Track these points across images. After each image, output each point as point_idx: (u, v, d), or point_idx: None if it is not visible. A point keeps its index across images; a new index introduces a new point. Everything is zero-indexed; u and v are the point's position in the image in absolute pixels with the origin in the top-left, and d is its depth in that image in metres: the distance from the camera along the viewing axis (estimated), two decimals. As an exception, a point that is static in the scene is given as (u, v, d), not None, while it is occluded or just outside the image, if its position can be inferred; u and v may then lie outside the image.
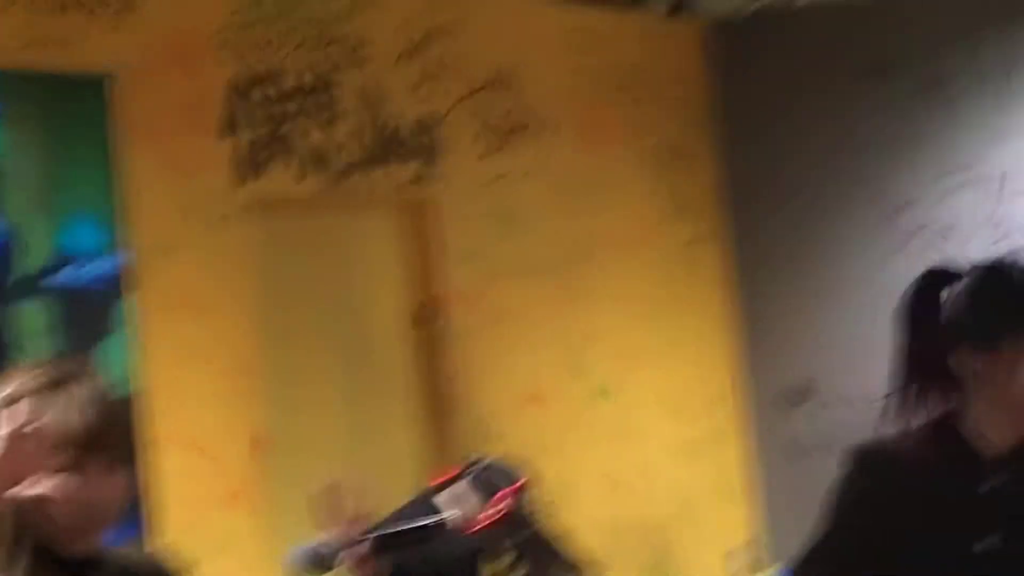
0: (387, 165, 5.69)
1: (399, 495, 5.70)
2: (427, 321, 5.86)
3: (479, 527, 4.15)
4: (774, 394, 6.62)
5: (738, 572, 6.62)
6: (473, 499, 4.30)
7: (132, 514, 4.90)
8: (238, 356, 5.19)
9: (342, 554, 2.73)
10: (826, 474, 7.20)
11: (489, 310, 5.95)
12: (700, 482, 6.61)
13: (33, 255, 4.73)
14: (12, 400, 2.34)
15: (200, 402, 5.12)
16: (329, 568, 2.71)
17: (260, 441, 5.23)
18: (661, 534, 6.42)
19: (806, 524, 7.03)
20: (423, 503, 4.37)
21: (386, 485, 5.73)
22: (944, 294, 3.01)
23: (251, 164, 5.28)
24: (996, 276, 2.93)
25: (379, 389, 5.74)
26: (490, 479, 4.32)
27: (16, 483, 2.29)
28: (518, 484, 4.34)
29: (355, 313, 5.73)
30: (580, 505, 6.16)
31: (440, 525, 2.68)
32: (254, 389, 5.22)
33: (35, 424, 2.32)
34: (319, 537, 2.76)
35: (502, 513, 4.21)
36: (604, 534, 6.23)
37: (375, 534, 2.68)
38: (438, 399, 5.82)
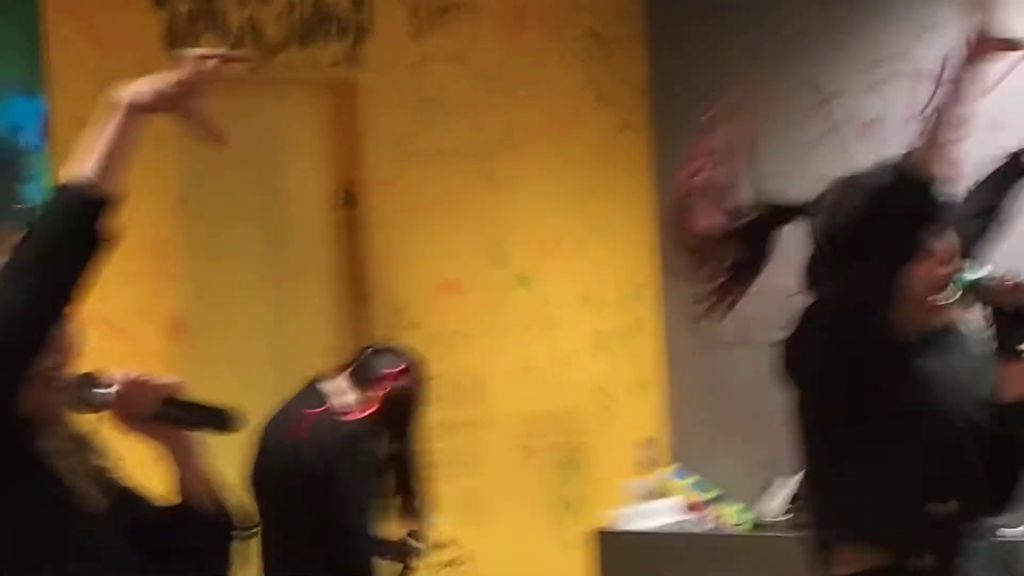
0: (316, 44, 5.63)
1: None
2: (348, 205, 5.83)
3: (359, 413, 4.17)
4: (691, 287, 6.64)
5: (643, 463, 6.68)
6: (355, 387, 4.33)
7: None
8: (157, 235, 5.15)
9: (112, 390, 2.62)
10: (741, 366, 7.31)
11: (410, 196, 5.93)
12: (616, 373, 6.65)
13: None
14: None
15: (116, 282, 5.07)
16: (96, 405, 2.62)
17: (178, 322, 5.20)
18: (575, 424, 6.47)
19: (715, 418, 7.12)
20: (310, 391, 4.38)
21: (303, 368, 5.75)
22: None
23: (182, 38, 5.21)
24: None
25: (299, 272, 5.71)
26: (375, 365, 4.34)
27: None
28: (399, 369, 4.36)
29: (277, 195, 5.69)
30: (495, 394, 6.19)
31: (226, 417, 2.60)
32: (173, 270, 5.18)
33: None
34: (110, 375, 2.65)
35: (380, 398, 4.24)
36: (518, 423, 6.27)
37: (168, 400, 2.63)
38: (357, 283, 5.81)
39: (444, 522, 5.97)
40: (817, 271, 3.35)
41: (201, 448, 2.76)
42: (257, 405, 5.50)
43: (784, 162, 6.45)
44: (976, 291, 3.93)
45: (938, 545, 3.21)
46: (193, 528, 2.71)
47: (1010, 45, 3.24)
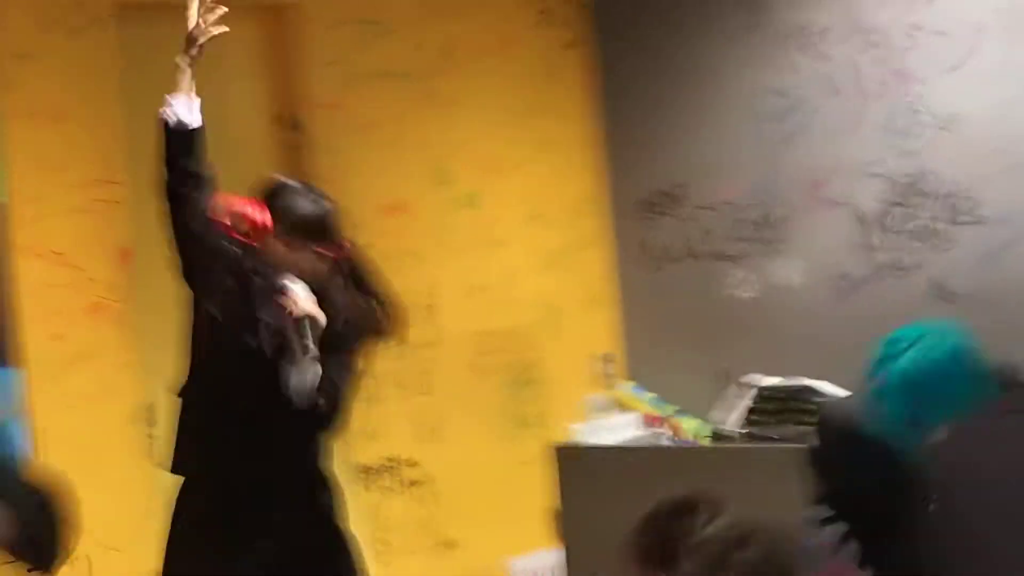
0: (250, -30, 5.59)
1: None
2: (291, 128, 5.81)
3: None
4: (638, 201, 6.67)
5: (598, 379, 6.72)
6: None
7: (-4, 325, 4.87)
8: (103, 166, 5.12)
9: None
10: (691, 280, 7.33)
11: (353, 117, 5.91)
12: (564, 290, 6.67)
13: None
14: None
15: (64, 212, 5.06)
16: None
17: (126, 252, 5.18)
18: (527, 342, 6.49)
19: (668, 331, 7.15)
20: None
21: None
22: None
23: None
24: None
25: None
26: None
27: None
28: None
29: (220, 120, 5.64)
30: (446, 314, 6.20)
31: None
32: (120, 200, 5.16)
33: None
34: None
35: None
36: (470, 342, 6.29)
37: None
38: (304, 208, 5.78)
39: (401, 442, 6.00)
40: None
41: None
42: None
43: (728, 77, 6.47)
44: None
45: None
46: None
47: None
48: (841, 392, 5.11)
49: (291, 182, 4.14)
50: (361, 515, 5.55)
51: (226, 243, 3.96)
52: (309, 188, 4.12)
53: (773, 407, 5.71)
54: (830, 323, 6.11)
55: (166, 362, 5.38)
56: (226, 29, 4.07)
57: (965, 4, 5.90)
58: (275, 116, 5.79)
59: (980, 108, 5.79)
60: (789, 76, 6.24)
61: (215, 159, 5.60)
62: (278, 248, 3.95)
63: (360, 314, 4.15)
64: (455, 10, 6.28)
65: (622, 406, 6.59)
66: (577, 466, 6.04)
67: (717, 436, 6.06)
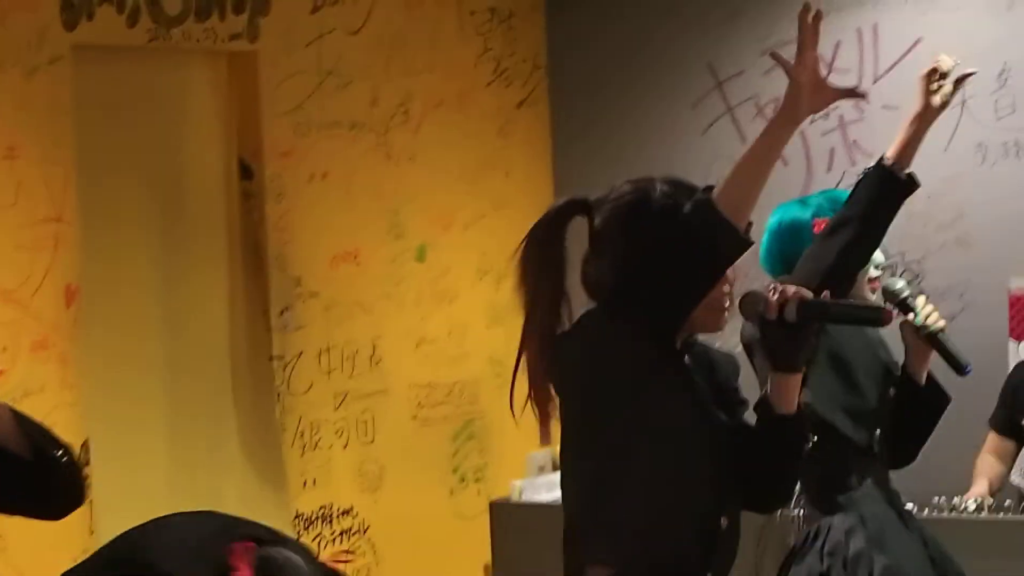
0: (216, 15, 5.61)
1: (211, 344, 5.72)
2: (245, 176, 5.83)
3: None
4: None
5: (542, 437, 6.74)
6: None
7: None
8: (53, 204, 5.13)
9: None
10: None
11: (308, 167, 5.94)
12: (512, 346, 6.67)
13: None
14: None
15: (11, 249, 5.06)
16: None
17: (73, 289, 5.19)
18: (471, 396, 6.52)
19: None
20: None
21: (198, 334, 5.76)
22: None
23: (81, 8, 5.18)
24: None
25: (195, 241, 5.71)
26: None
27: None
28: None
29: (175, 163, 5.69)
30: (391, 365, 6.22)
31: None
32: (68, 237, 5.17)
33: None
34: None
35: None
36: (414, 394, 6.31)
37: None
38: (253, 252, 5.81)
39: (339, 490, 6.01)
40: (598, 275, 3.27)
41: None
42: (148, 374, 5.52)
43: (679, 144, 6.55)
44: (897, 302, 4.10)
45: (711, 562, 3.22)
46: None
47: (849, 93, 3.30)
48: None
49: None
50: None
51: None
52: None
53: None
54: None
55: (106, 401, 5.40)
56: None
57: (914, 80, 5.99)
58: (230, 163, 5.82)
59: (926, 182, 5.86)
60: (739, 145, 6.31)
61: (171, 206, 5.64)
62: None
63: None
64: (413, 65, 6.33)
65: (560, 463, 6.61)
66: (514, 523, 6.06)
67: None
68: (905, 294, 4.17)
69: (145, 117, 5.54)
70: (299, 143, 5.92)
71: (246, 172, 5.83)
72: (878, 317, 3.21)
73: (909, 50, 6.07)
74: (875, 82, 6.09)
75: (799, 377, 3.16)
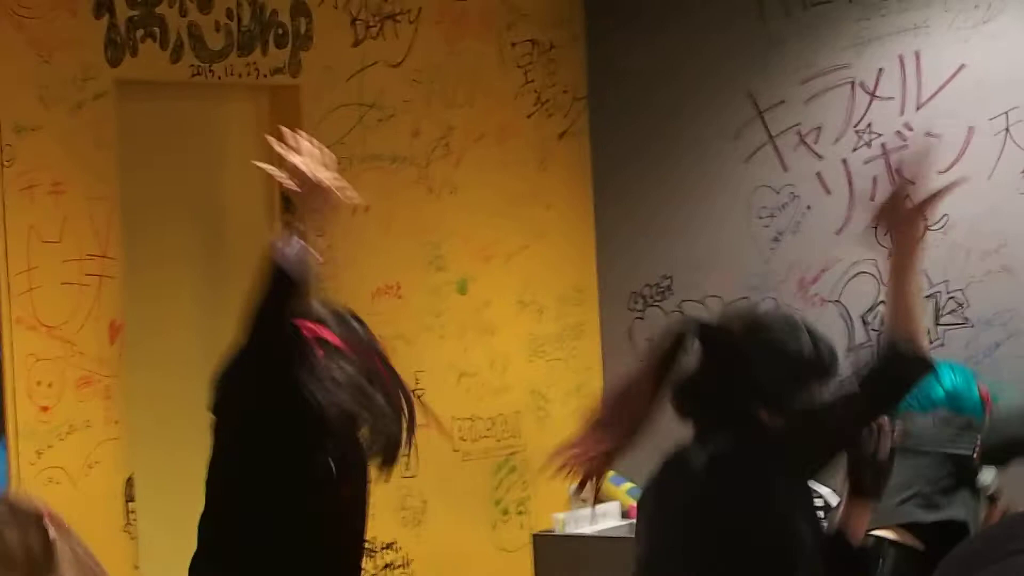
0: (259, 50, 5.64)
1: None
2: (288, 208, 5.84)
3: None
4: (629, 292, 6.70)
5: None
6: None
7: (-16, 395, 4.88)
8: (97, 240, 5.15)
9: None
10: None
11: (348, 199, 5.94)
12: (553, 378, 6.69)
13: None
14: None
15: (56, 285, 5.09)
16: None
17: (117, 325, 5.20)
18: (512, 428, 6.50)
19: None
20: None
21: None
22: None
23: (122, 46, 5.22)
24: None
25: (238, 276, 5.71)
26: None
27: None
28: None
29: (218, 198, 5.71)
30: (433, 397, 6.21)
31: None
32: (112, 272, 5.19)
33: None
34: None
35: None
36: (456, 427, 6.30)
37: None
38: (296, 287, 5.81)
39: (381, 525, 6.00)
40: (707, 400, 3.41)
41: None
42: (192, 409, 5.52)
43: (720, 174, 6.53)
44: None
45: None
46: None
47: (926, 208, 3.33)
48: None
49: None
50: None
51: None
52: None
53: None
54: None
55: (151, 437, 5.41)
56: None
57: (957, 107, 5.97)
58: (272, 197, 5.83)
59: (969, 210, 5.84)
60: (781, 174, 6.30)
61: (213, 240, 5.65)
62: None
63: None
64: (454, 98, 6.34)
65: (602, 496, 6.58)
66: (556, 555, 6.04)
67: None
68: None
69: (188, 152, 5.56)
70: (340, 176, 5.92)
71: (288, 205, 5.84)
72: None
73: (952, 77, 6.06)
74: (918, 109, 6.07)
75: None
